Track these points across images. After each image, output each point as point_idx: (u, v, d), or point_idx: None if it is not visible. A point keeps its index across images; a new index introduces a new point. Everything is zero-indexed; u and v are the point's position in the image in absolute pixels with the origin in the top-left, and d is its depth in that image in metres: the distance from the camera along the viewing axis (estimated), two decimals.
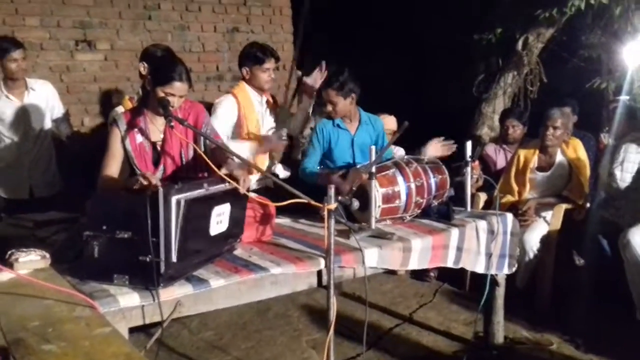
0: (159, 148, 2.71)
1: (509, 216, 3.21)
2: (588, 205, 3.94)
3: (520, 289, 3.82)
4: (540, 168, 4.07)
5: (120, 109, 3.56)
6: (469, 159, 3.20)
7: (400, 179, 2.98)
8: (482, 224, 3.06)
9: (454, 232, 2.91)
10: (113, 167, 2.65)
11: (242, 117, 3.45)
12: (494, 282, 3.18)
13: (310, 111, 3.78)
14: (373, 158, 2.79)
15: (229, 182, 2.30)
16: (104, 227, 2.07)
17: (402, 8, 6.52)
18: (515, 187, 4.09)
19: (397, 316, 3.79)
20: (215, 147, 2.66)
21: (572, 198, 3.96)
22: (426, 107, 5.81)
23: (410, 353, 3.34)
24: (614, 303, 3.52)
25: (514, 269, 3.26)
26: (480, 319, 3.33)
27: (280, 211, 2.77)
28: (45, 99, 3.97)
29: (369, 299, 2.63)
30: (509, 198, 4.07)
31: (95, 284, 2.08)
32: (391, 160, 3.17)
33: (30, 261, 2.19)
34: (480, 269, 3.08)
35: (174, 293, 2.08)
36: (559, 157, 4.02)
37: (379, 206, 2.87)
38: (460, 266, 2.99)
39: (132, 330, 2.09)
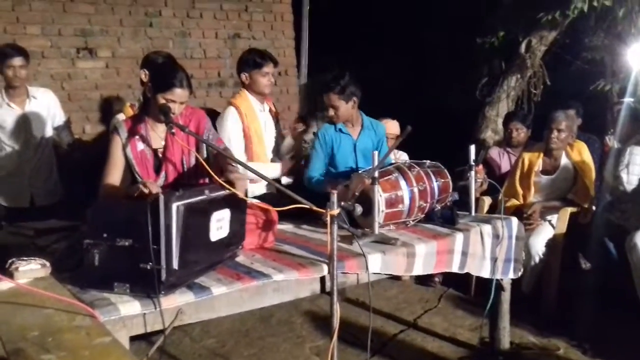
0: (160, 155, 2.70)
1: (514, 220, 3.19)
2: (594, 208, 3.91)
3: (526, 293, 3.79)
4: (545, 171, 4.04)
5: (121, 117, 3.55)
6: (473, 163, 3.18)
7: (403, 183, 2.95)
8: (487, 228, 3.03)
9: (459, 237, 2.89)
10: (114, 175, 2.64)
11: (246, 126, 3.45)
12: (500, 287, 3.15)
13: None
14: (376, 163, 2.77)
15: (227, 189, 2.29)
16: (105, 235, 2.05)
17: (404, 11, 6.52)
18: (520, 191, 4.07)
19: (402, 322, 3.76)
20: (217, 153, 2.65)
21: (577, 201, 3.93)
22: (429, 111, 5.80)
23: (415, 359, 3.31)
24: (621, 307, 3.49)
25: (519, 274, 3.24)
26: (485, 325, 3.31)
27: (283, 217, 2.74)
28: (47, 107, 3.96)
29: (373, 305, 2.61)
30: (513, 202, 4.05)
31: (96, 292, 2.06)
32: (393, 165, 3.14)
33: (31, 270, 2.18)
34: (485, 273, 3.05)
35: (176, 301, 2.06)
36: (564, 160, 3.99)
37: (382, 211, 2.85)
38: (465, 271, 2.96)
39: (133, 339, 2.07)
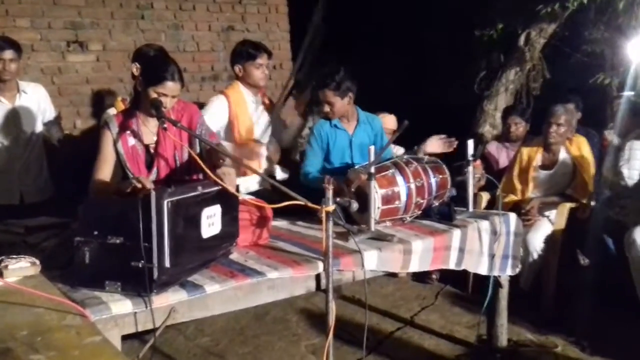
0: (152, 151, 2.66)
1: (512, 216, 3.17)
2: (592, 204, 3.88)
3: (525, 290, 3.76)
4: (543, 166, 4.01)
5: (112, 111, 3.51)
6: (471, 158, 3.16)
7: (400, 179, 2.93)
8: (485, 224, 3.01)
9: (456, 233, 2.87)
10: (105, 171, 2.60)
11: (233, 118, 3.40)
12: (497, 283, 3.14)
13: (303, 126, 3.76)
14: (372, 158, 2.73)
15: (218, 184, 2.27)
16: (96, 233, 2.04)
17: (402, 4, 6.46)
18: (518, 186, 4.04)
19: (398, 319, 3.73)
20: (210, 148, 2.60)
21: (576, 197, 3.90)
22: (427, 105, 5.74)
23: (411, 357, 3.29)
24: (620, 304, 3.47)
25: (517, 270, 3.22)
26: (483, 322, 3.28)
27: (277, 214, 2.71)
28: (37, 102, 3.90)
29: (369, 302, 2.61)
30: (511, 197, 4.02)
31: (87, 291, 2.04)
32: (390, 160, 3.11)
33: (20, 268, 2.15)
34: (483, 270, 3.03)
35: (168, 299, 2.04)
36: (563, 155, 3.96)
37: (379, 207, 2.82)
38: (462, 268, 2.95)
39: (125, 337, 2.05)
